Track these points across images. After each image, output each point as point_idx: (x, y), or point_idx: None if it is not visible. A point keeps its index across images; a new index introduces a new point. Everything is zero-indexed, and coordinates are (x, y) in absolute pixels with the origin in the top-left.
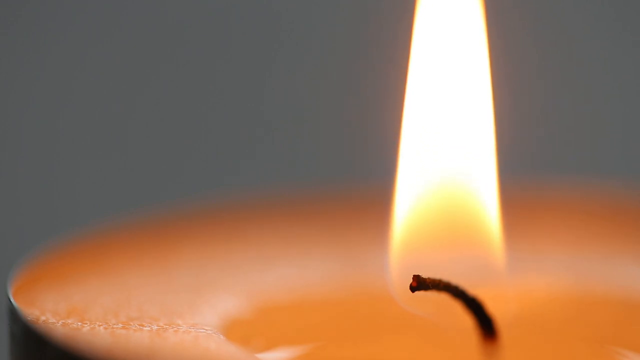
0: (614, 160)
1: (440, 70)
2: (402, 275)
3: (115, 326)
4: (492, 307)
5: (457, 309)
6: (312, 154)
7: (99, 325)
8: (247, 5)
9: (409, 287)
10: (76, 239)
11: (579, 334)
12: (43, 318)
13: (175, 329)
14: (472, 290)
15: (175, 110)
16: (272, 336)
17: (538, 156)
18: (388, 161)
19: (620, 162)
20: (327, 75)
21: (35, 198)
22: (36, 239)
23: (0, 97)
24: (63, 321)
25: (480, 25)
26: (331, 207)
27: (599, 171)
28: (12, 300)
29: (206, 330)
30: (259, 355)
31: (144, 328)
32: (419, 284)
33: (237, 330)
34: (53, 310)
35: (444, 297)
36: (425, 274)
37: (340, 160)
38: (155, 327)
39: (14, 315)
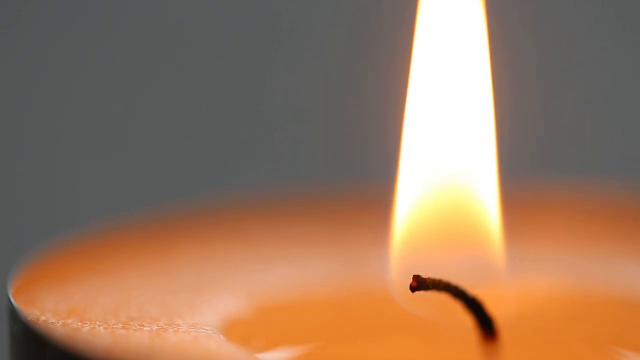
0: (614, 160)
1: (441, 70)
2: (402, 275)
3: (115, 326)
4: (492, 307)
5: (457, 309)
6: (312, 154)
7: (99, 325)
8: (247, 5)
9: (409, 287)
10: (76, 239)
11: (579, 334)
12: (43, 318)
13: (175, 329)
14: (472, 290)
15: (175, 110)
16: (272, 336)
17: (538, 156)
18: (388, 161)
19: (620, 162)
20: (327, 75)
21: (35, 198)
22: (36, 239)
23: (0, 97)
24: (63, 321)
25: (481, 26)
26: (331, 207)
27: (599, 171)
28: (12, 300)
29: (206, 330)
30: (259, 355)
31: (144, 328)
32: (419, 284)
33: (237, 330)
34: (53, 310)
35: (444, 297)
36: (425, 274)
37: (340, 160)
38: (155, 327)
39: (14, 315)
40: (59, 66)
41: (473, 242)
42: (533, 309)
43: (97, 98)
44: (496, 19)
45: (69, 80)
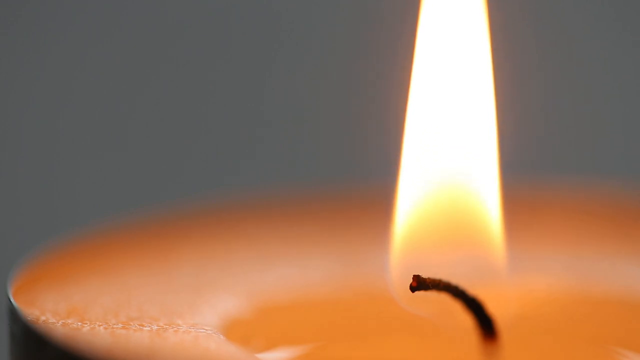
0: (614, 160)
1: (443, 70)
2: (402, 275)
3: (115, 326)
4: (492, 307)
5: (457, 309)
6: (312, 154)
7: (99, 325)
8: (247, 5)
9: (409, 287)
10: (76, 239)
11: (579, 334)
12: (43, 318)
13: (175, 329)
14: (472, 290)
15: (175, 110)
16: (272, 336)
17: (538, 156)
18: (389, 161)
19: (620, 162)
20: (327, 75)
21: (35, 198)
22: (36, 239)
23: (0, 97)
24: (63, 321)
25: (482, 26)
26: (331, 207)
27: (599, 171)
28: (12, 300)
29: (206, 330)
30: (259, 355)
31: (144, 328)
32: (419, 284)
33: (237, 330)
34: (53, 310)
35: (444, 297)
36: (425, 274)
37: (340, 160)
38: (155, 327)
39: (14, 315)
40: (59, 66)
41: (473, 242)
42: (533, 309)
43: (97, 98)
44: (497, 19)
45: (69, 80)
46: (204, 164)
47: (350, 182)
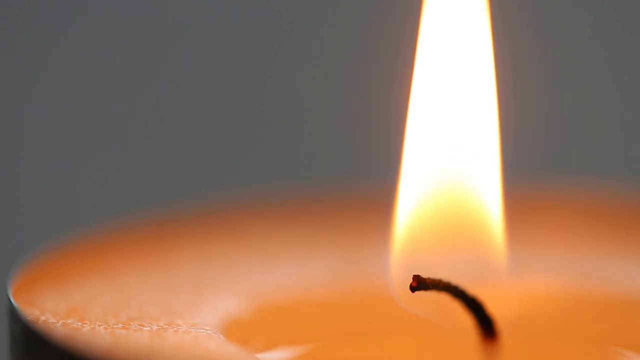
0: (614, 160)
1: (444, 70)
2: (402, 275)
3: (115, 326)
4: (492, 307)
5: (457, 309)
6: (312, 154)
7: (99, 325)
8: (247, 5)
9: (409, 287)
10: (76, 239)
11: (579, 333)
12: (43, 318)
13: (175, 329)
14: (472, 290)
15: (175, 110)
16: (272, 336)
17: (539, 156)
18: (389, 161)
19: (620, 162)
20: (327, 75)
21: (35, 198)
22: (36, 239)
23: (0, 97)
24: (63, 321)
25: (484, 26)
26: (331, 207)
27: (599, 171)
28: (12, 300)
29: (206, 330)
30: (259, 355)
31: (144, 328)
32: (419, 284)
33: (237, 330)
34: (53, 310)
35: (444, 297)
36: (425, 274)
37: (341, 160)
38: (155, 327)
39: (14, 315)
40: (59, 66)
41: (474, 242)
42: (533, 309)
43: (97, 98)
44: (498, 19)
45: (69, 80)
46: (204, 164)
47: (350, 182)
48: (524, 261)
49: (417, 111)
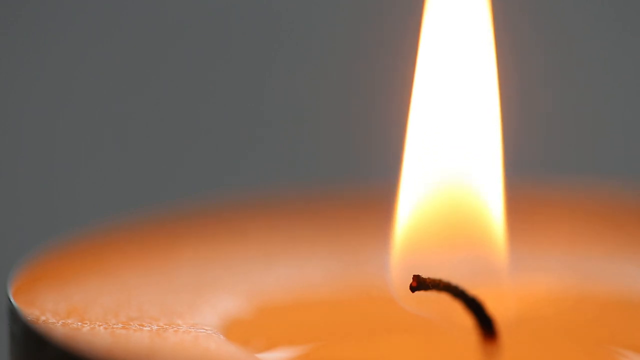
0: (614, 160)
1: (446, 70)
2: (402, 275)
3: (115, 326)
4: (492, 307)
5: (457, 309)
6: (312, 154)
7: (99, 325)
8: (247, 5)
9: (409, 287)
10: (76, 239)
11: (579, 334)
12: (43, 318)
13: (175, 329)
14: (473, 290)
15: (175, 110)
16: (272, 336)
17: (538, 156)
18: (390, 161)
19: (620, 162)
20: (327, 75)
21: (35, 198)
22: (36, 239)
23: (0, 97)
24: (63, 321)
25: (485, 27)
26: (331, 207)
27: (599, 171)
28: (12, 300)
29: (206, 330)
30: (259, 355)
31: (144, 328)
32: (419, 284)
33: (237, 330)
34: (53, 310)
35: (444, 297)
36: (425, 274)
37: (341, 160)
38: (155, 327)
39: (14, 315)
40: (59, 66)
41: (474, 242)
42: (533, 309)
43: (97, 98)
44: (499, 20)
45: (69, 80)
46: (204, 164)
47: (350, 182)
48: (524, 261)
49: (417, 111)
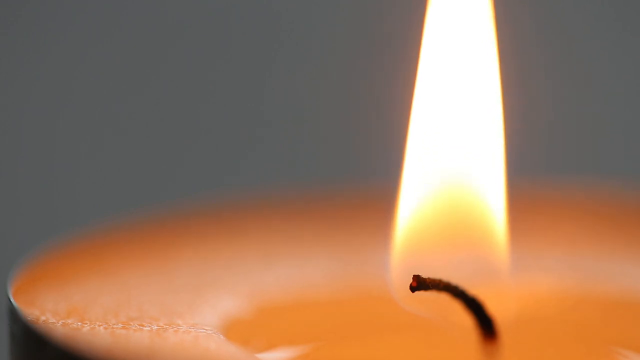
0: (614, 160)
1: (446, 70)
2: (402, 275)
3: (115, 326)
4: (492, 307)
5: (457, 309)
6: (312, 154)
7: (99, 325)
8: (247, 5)
9: (409, 287)
10: (76, 239)
11: (579, 334)
12: (43, 318)
13: (175, 329)
14: (473, 290)
15: (175, 110)
16: (272, 336)
17: (539, 156)
18: (390, 161)
19: (620, 162)
20: (328, 75)
21: (35, 198)
22: (36, 239)
23: (0, 97)
24: (63, 321)
25: (488, 27)
26: (331, 207)
27: (599, 171)
28: (12, 300)
29: (206, 330)
30: (259, 355)
31: (144, 328)
32: (419, 284)
33: (237, 330)
34: (53, 310)
35: (444, 297)
36: (425, 274)
37: (341, 160)
38: (155, 327)
39: (14, 315)
40: (59, 66)
41: (474, 242)
42: (533, 309)
43: (97, 98)
44: (500, 20)
45: (69, 80)
46: (204, 164)
47: (350, 182)
48: (524, 261)
49: (419, 111)
